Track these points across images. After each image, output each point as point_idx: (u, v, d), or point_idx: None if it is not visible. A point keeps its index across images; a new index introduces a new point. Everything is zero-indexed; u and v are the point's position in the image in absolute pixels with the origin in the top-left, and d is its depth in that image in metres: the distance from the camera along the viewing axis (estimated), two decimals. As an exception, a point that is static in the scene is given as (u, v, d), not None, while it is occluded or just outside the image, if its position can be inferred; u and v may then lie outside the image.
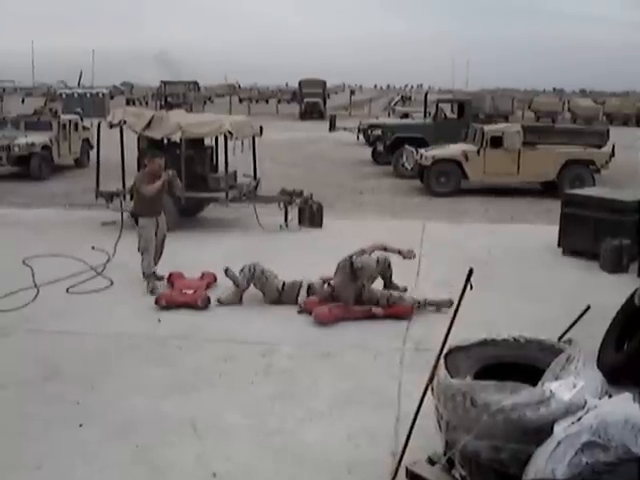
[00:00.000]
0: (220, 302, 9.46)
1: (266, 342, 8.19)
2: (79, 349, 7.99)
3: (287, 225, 14.47)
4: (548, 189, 19.33)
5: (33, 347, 8.04)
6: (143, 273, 10.03)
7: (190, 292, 9.59)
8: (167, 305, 9.35)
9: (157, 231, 10.17)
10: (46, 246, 12.05)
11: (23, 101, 29.23)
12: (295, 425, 6.30)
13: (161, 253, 10.39)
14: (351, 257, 9.09)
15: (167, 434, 6.10)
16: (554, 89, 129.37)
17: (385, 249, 9.44)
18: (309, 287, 9.45)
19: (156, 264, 10.26)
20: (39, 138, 22.15)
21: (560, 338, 5.67)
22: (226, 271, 9.70)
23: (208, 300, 9.42)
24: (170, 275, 10.23)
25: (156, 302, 9.39)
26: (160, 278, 10.18)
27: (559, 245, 12.48)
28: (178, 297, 9.52)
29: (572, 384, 4.51)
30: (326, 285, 9.36)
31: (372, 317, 8.97)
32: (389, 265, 9.58)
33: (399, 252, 9.44)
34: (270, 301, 9.55)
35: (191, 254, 11.38)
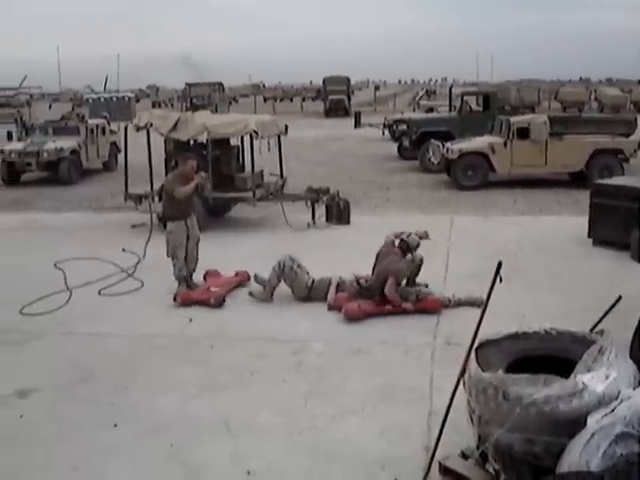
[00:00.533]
0: (251, 295, 9.62)
1: (297, 339, 8.22)
2: (112, 350, 8.08)
3: (315, 223, 14.49)
4: (576, 179, 19.16)
5: (66, 350, 8.14)
6: (174, 275, 10.00)
7: (216, 290, 9.72)
8: (183, 303, 9.50)
9: (189, 235, 10.00)
10: (77, 249, 12.19)
11: (50, 107, 29.57)
12: (328, 422, 6.31)
13: (197, 259, 10.20)
14: (396, 239, 9.36)
15: (201, 433, 6.15)
16: (580, 78, 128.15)
17: (402, 233, 9.51)
18: (339, 284, 9.48)
19: (194, 271, 10.19)
20: (67, 143, 22.36)
21: (592, 329, 5.62)
22: (255, 277, 9.88)
23: (222, 299, 9.51)
24: (207, 272, 10.32)
25: (174, 299, 9.56)
26: (194, 286, 10.07)
27: (589, 236, 12.37)
28: (194, 295, 9.66)
29: (605, 375, 4.48)
30: (355, 282, 9.37)
31: (402, 312, 8.96)
32: (420, 266, 9.57)
33: (415, 234, 9.50)
34: (299, 298, 9.59)
35: (220, 254, 11.42)
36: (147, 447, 5.95)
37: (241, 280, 10.21)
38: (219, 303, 9.44)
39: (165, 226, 10.19)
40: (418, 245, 9.34)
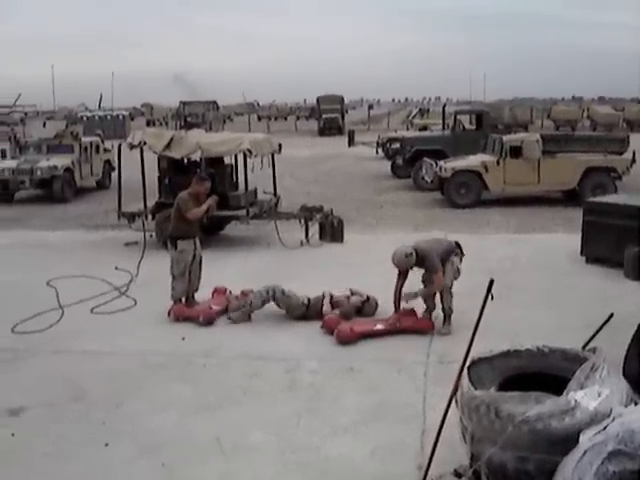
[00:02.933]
0: (232, 320, 9.55)
1: (289, 358, 8.20)
2: (104, 369, 8.04)
3: (308, 241, 14.50)
4: (569, 197, 19.23)
5: (59, 368, 8.10)
6: (172, 296, 9.90)
7: (217, 308, 9.74)
8: (176, 318, 9.59)
9: (195, 254, 9.97)
10: (70, 267, 12.17)
11: (45, 125, 29.66)
12: (320, 441, 6.28)
13: (200, 278, 10.18)
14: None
15: (193, 452, 6.12)
16: (573, 97, 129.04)
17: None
18: (332, 298, 9.49)
19: (197, 289, 10.16)
20: (61, 161, 22.36)
21: (584, 347, 5.63)
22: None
23: (212, 318, 9.50)
24: (215, 289, 10.29)
25: (168, 314, 9.67)
26: (196, 305, 10.02)
27: (582, 253, 12.40)
28: (186, 311, 9.71)
29: (597, 393, 4.49)
30: (349, 298, 9.41)
31: (394, 332, 8.94)
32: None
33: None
34: (295, 317, 9.56)
35: (213, 272, 11.36)
36: (138, 466, 5.91)
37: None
38: (207, 322, 9.42)
39: (169, 244, 10.00)
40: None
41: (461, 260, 9.32)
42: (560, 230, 15.50)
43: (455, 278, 9.21)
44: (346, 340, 8.71)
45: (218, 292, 10.28)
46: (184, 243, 9.87)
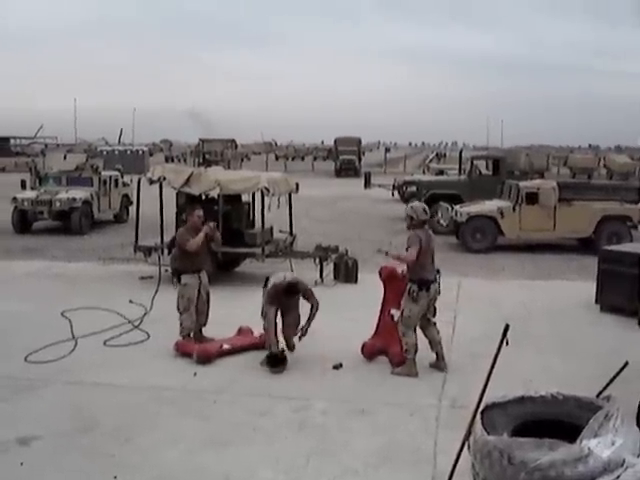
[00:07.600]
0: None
1: (300, 397, 8.17)
2: (115, 401, 8.04)
3: (322, 280, 14.50)
4: (585, 245, 19.20)
5: (70, 398, 8.11)
6: (180, 332, 9.88)
7: (227, 347, 9.71)
8: (180, 353, 9.60)
9: (200, 288, 9.96)
10: (84, 299, 12.23)
11: (65, 157, 29.83)
12: (329, 482, 6.24)
13: (207, 314, 10.14)
14: None
15: (201, 488, 6.09)
16: (589, 145, 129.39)
17: None
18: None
19: (205, 325, 10.13)
20: (80, 193, 22.61)
21: (598, 395, 5.60)
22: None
23: (207, 358, 9.40)
24: (239, 329, 10.26)
25: (175, 348, 9.73)
26: (205, 340, 9.99)
27: (597, 302, 12.36)
28: (185, 347, 9.69)
29: (611, 441, 4.46)
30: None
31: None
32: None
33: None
34: None
35: (226, 309, 11.39)
36: (147, 501, 5.89)
37: (260, 342, 9.80)
38: (200, 360, 9.34)
39: (179, 280, 9.94)
40: None
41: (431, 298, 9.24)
42: (575, 277, 15.46)
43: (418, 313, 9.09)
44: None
45: (241, 332, 10.23)
46: (187, 277, 9.85)
